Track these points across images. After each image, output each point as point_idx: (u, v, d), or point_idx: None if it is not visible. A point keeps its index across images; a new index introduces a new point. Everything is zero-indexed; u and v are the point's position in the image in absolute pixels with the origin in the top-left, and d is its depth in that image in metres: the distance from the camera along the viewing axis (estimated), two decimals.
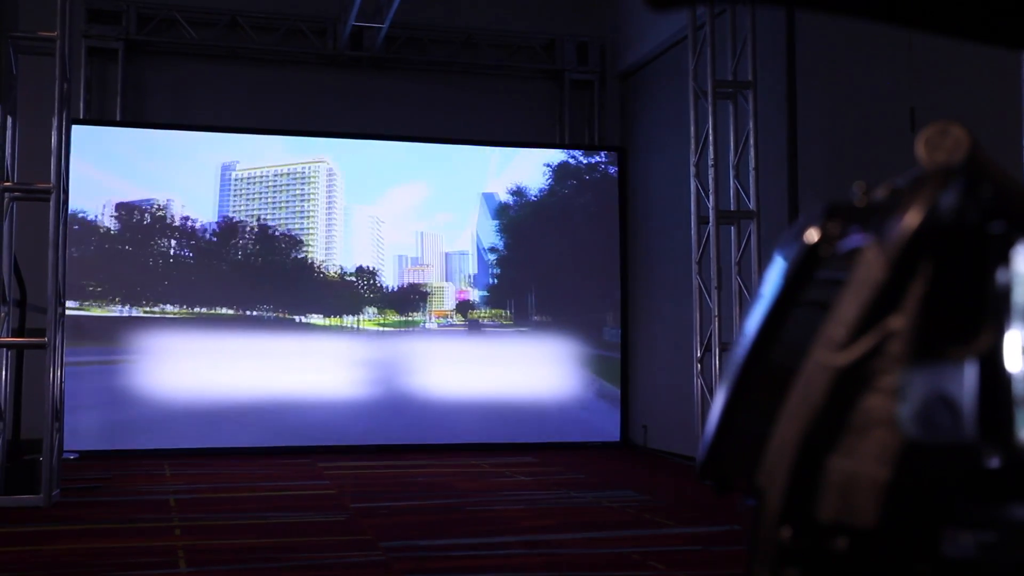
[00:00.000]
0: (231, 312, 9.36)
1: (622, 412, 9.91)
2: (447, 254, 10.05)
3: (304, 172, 9.77)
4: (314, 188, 9.75)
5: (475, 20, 10.15)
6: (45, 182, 6.10)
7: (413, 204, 9.99)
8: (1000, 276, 0.53)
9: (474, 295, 10.07)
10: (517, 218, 10.12)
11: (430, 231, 10.02)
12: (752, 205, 7.67)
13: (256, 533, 5.20)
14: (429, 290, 9.93)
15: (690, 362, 7.99)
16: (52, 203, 6.07)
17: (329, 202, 9.78)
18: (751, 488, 0.60)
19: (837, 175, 6.88)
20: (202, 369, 9.14)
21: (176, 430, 8.92)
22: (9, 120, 6.09)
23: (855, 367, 0.55)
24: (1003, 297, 0.52)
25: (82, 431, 8.59)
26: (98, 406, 8.81)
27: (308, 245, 9.72)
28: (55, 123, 6.13)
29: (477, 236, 10.06)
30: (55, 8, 6.06)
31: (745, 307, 7.60)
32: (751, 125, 7.66)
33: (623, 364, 10.00)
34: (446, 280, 10.03)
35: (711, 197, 7.69)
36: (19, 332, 6.47)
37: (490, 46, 10.26)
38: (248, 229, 9.55)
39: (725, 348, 7.56)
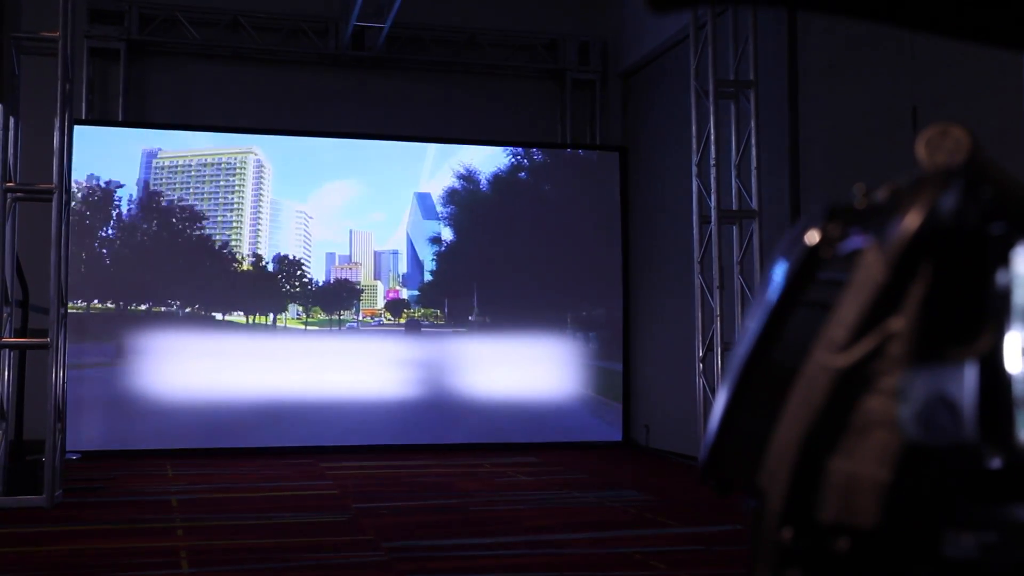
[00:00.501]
0: (143, 308, 9.14)
1: (624, 412, 9.91)
2: (377, 253, 9.90)
3: (231, 163, 9.45)
4: (241, 180, 9.45)
5: (477, 20, 10.16)
6: (47, 183, 6.11)
7: (345, 201, 9.81)
8: (1000, 277, 0.53)
9: (404, 294, 9.91)
10: (458, 216, 9.93)
11: (361, 229, 9.84)
12: (754, 204, 7.67)
13: (258, 533, 5.20)
14: (361, 287, 9.78)
15: (692, 362, 7.99)
16: (55, 203, 6.08)
17: (256, 195, 9.47)
18: (753, 489, 0.60)
19: (839, 175, 6.88)
20: (203, 370, 9.14)
21: (178, 430, 8.92)
22: (11, 120, 6.09)
23: (856, 368, 0.55)
24: (1003, 298, 0.52)
25: (84, 432, 8.59)
26: (100, 406, 8.82)
27: (233, 239, 9.42)
28: (57, 124, 6.13)
29: (408, 235, 9.92)
30: (57, 8, 6.07)
31: (747, 307, 7.60)
32: (753, 124, 7.66)
33: (625, 364, 10.00)
34: (376, 279, 9.88)
35: (713, 196, 7.69)
36: (21, 332, 6.47)
37: (492, 46, 10.27)
38: (169, 218, 9.27)
39: (727, 348, 7.56)
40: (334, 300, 9.71)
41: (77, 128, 8.17)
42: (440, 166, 9.96)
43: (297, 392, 9.27)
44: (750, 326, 0.63)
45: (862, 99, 6.77)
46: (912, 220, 0.55)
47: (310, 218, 9.70)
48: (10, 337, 6.14)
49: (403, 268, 9.95)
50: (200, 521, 5.51)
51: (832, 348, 0.56)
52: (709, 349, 7.78)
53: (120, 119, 9.33)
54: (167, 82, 9.63)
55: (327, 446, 9.13)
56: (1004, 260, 0.53)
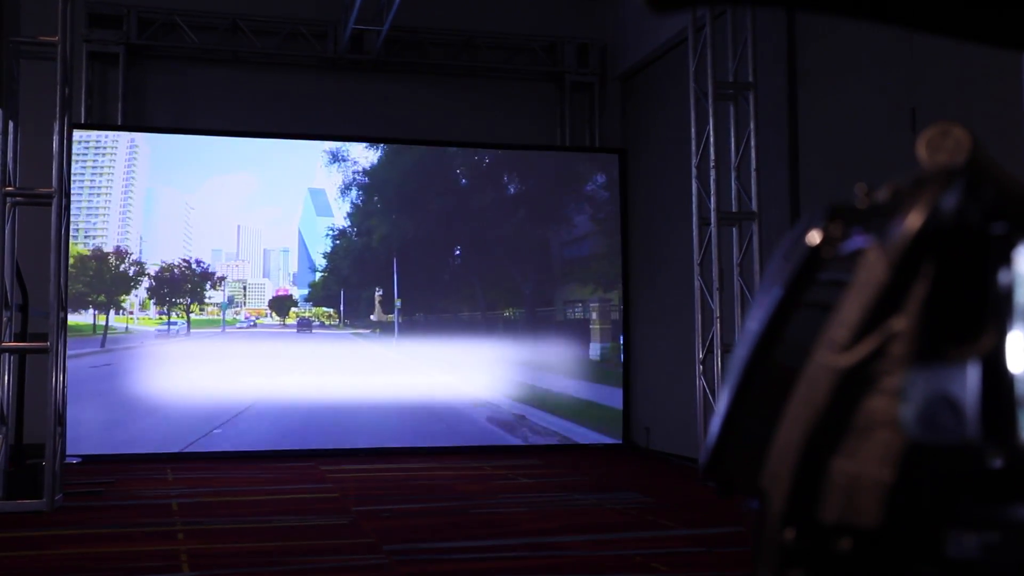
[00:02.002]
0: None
1: (624, 414, 9.91)
2: (267, 250, 9.40)
3: (100, 142, 8.73)
4: (111, 160, 8.73)
5: (475, 22, 10.16)
6: (46, 187, 6.10)
7: (234, 197, 9.27)
8: (1002, 277, 0.53)
9: (295, 292, 9.41)
10: (356, 213, 9.51)
11: (251, 226, 9.31)
12: (754, 206, 7.67)
13: (258, 537, 5.20)
14: (246, 286, 9.27)
15: (692, 364, 7.98)
16: (54, 207, 6.08)
17: (128, 179, 8.74)
18: (755, 490, 0.60)
19: (838, 176, 6.88)
20: (203, 373, 9.13)
21: (178, 434, 8.91)
22: (11, 125, 6.09)
23: (858, 368, 0.55)
24: (1005, 298, 0.52)
25: (84, 435, 8.58)
26: (101, 410, 8.80)
27: (99, 227, 8.72)
28: (56, 128, 6.13)
29: (300, 232, 9.47)
30: (56, 13, 6.07)
31: (747, 309, 7.60)
32: (752, 126, 7.66)
33: (625, 366, 10.00)
34: (264, 277, 9.36)
35: (712, 198, 7.69)
36: (21, 337, 6.47)
37: (491, 48, 10.27)
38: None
39: (727, 350, 7.56)
40: (179, 294, 8.95)
41: (76, 132, 8.17)
42: (335, 161, 9.57)
43: (297, 396, 9.26)
44: (751, 326, 0.62)
45: (861, 100, 6.77)
46: (914, 220, 0.55)
47: (192, 208, 9.11)
48: (10, 341, 6.14)
49: (293, 267, 9.47)
50: (201, 525, 5.51)
51: (834, 348, 0.56)
52: (709, 351, 7.78)
53: (119, 123, 9.33)
54: (166, 86, 9.63)
55: (327, 449, 9.12)
56: (1006, 259, 0.53)
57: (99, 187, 8.82)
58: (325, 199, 9.54)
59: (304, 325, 9.28)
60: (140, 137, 9.13)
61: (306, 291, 9.38)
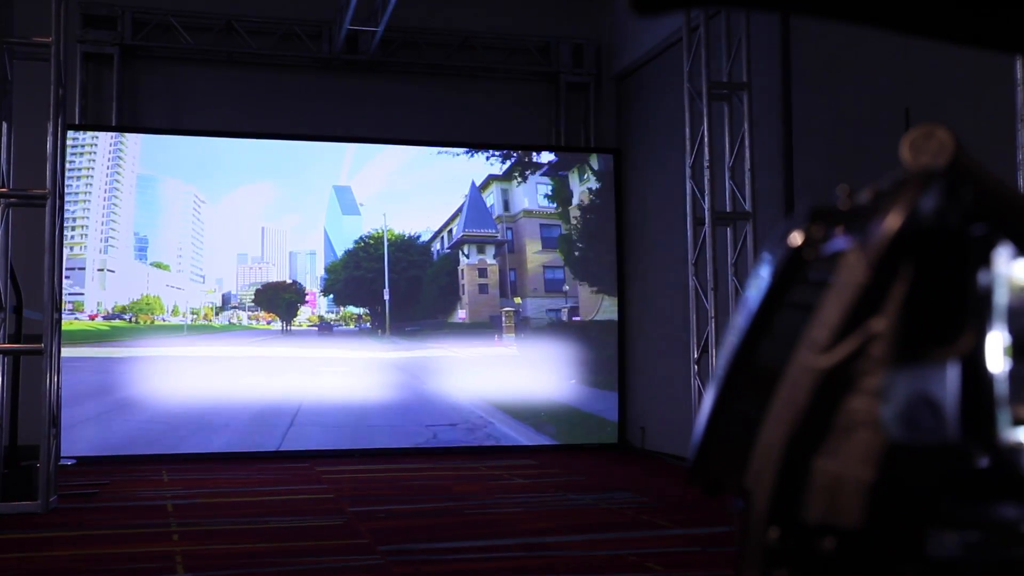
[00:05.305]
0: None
1: (620, 414, 9.91)
2: (292, 253, 9.12)
3: (78, 139, 8.41)
4: (92, 143, 8.47)
5: (470, 22, 10.16)
6: (41, 188, 6.09)
7: (260, 202, 9.13)
8: (981, 277, 0.53)
9: (321, 296, 9.19)
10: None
11: (275, 228, 9.04)
12: (748, 206, 7.68)
13: (254, 537, 5.19)
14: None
15: (687, 364, 7.99)
16: (48, 209, 6.06)
17: (114, 164, 8.34)
18: (740, 490, 0.60)
19: (832, 176, 6.89)
20: (198, 374, 9.12)
21: (173, 435, 8.90)
22: (4, 126, 6.08)
23: (838, 369, 0.55)
24: (984, 298, 0.53)
25: (79, 437, 8.57)
26: (95, 411, 8.79)
27: (78, 217, 8.36)
28: (50, 129, 6.12)
29: (326, 232, 9.18)
30: (50, 13, 6.06)
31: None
32: (746, 126, 7.67)
33: (620, 365, 10.00)
34: (291, 280, 9.14)
35: (707, 198, 7.70)
36: (15, 338, 6.46)
37: (486, 48, 10.27)
38: None
39: None
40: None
41: (70, 133, 8.14)
42: (361, 165, 9.54)
43: (292, 396, 9.25)
44: (735, 328, 0.63)
45: (855, 100, 6.78)
46: (893, 221, 0.55)
47: (202, 202, 8.84)
48: (4, 343, 6.13)
49: (320, 270, 9.28)
50: (196, 526, 5.50)
51: (815, 349, 0.56)
52: (704, 351, 7.78)
53: (113, 124, 9.31)
54: (161, 86, 9.62)
55: (322, 450, 9.12)
56: (985, 260, 0.53)
57: (78, 169, 8.55)
58: (351, 196, 9.38)
59: (324, 328, 8.88)
60: (133, 137, 9.07)
61: (332, 296, 9.03)
